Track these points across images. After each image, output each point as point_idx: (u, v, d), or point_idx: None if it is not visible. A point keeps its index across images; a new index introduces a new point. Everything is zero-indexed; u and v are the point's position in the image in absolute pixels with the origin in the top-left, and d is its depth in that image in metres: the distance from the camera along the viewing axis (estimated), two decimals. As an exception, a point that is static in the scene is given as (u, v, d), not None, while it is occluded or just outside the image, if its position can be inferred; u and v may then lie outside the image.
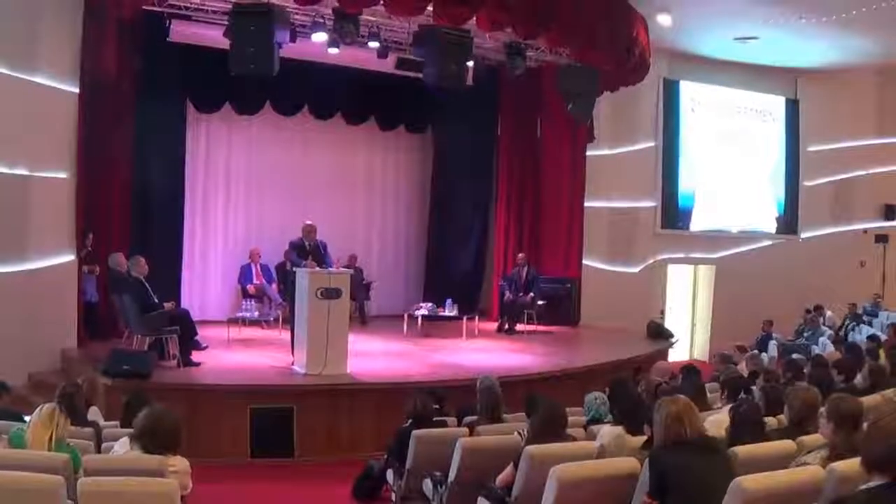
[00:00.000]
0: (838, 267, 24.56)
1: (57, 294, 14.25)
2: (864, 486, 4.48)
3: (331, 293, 12.68)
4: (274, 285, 18.38)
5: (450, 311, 18.14)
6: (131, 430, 6.69)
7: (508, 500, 7.05)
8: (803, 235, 25.87)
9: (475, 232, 22.10)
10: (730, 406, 8.03)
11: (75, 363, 13.60)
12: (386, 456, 8.99)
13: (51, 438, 6.67)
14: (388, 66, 17.70)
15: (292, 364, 13.42)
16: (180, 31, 16.02)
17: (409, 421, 8.80)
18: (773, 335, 20.61)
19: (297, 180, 19.82)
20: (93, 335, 15.02)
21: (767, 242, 25.50)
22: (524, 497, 6.85)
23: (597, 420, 8.78)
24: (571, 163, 20.85)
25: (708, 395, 10.00)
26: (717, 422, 7.80)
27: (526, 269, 19.46)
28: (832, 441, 6.05)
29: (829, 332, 20.76)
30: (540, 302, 19.26)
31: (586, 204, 21.11)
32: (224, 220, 19.42)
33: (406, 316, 18.21)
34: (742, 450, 6.48)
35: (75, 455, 6.70)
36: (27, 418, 7.18)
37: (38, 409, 6.81)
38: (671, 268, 24.23)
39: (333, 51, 16.15)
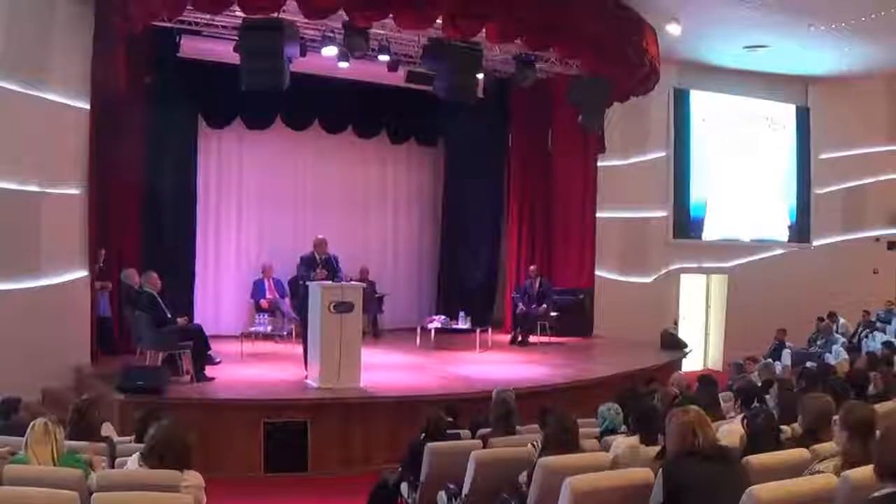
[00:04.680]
0: (851, 274, 24.48)
1: (70, 310, 14.30)
2: (876, 494, 4.48)
3: (343, 307, 12.70)
4: (287, 300, 18.40)
5: (463, 323, 18.11)
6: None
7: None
8: (815, 243, 25.79)
9: (487, 244, 22.13)
10: (742, 415, 8.02)
11: (88, 379, 13.61)
12: (400, 469, 8.98)
13: (52, 453, 6.66)
14: (398, 79, 17.78)
15: (306, 378, 13.44)
16: (190, 47, 16.10)
17: (423, 434, 8.79)
18: (787, 344, 20.54)
19: (308, 194, 19.89)
20: (106, 351, 15.07)
21: (780, 251, 25.43)
22: (538, 508, 6.84)
23: (610, 431, 8.76)
24: (583, 173, 20.84)
25: (722, 404, 9.99)
26: (730, 431, 7.79)
27: (538, 280, 19.47)
28: (846, 449, 6.02)
29: (843, 339, 20.69)
30: (553, 313, 19.27)
31: (598, 214, 21.08)
32: (237, 235, 19.46)
33: (419, 329, 18.23)
34: (755, 458, 6.47)
35: (83, 465, 6.72)
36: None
37: (30, 427, 6.77)
38: (684, 277, 24.18)
39: (343, 65, 16.23)
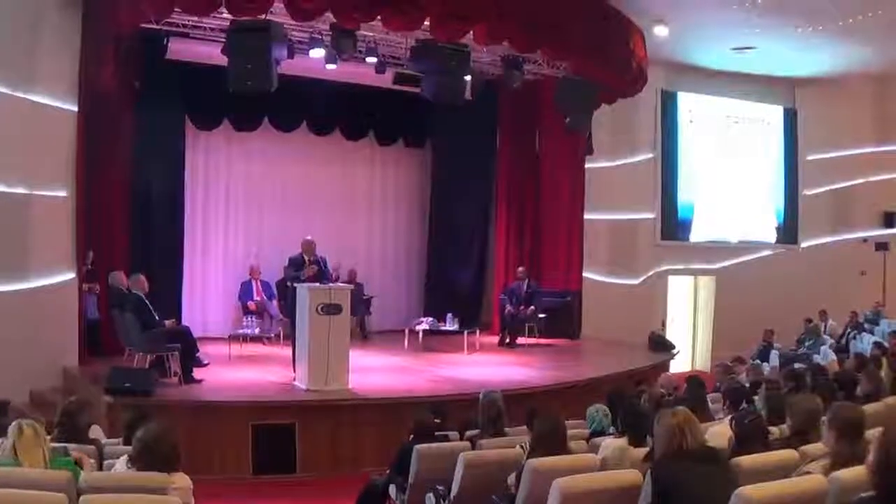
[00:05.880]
0: (839, 276, 24.53)
1: (58, 312, 14.26)
2: (863, 495, 4.49)
3: (331, 309, 12.69)
4: (274, 301, 18.41)
5: (451, 325, 18.11)
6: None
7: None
8: (803, 245, 25.87)
9: (475, 246, 22.13)
10: (730, 416, 8.02)
11: (76, 381, 13.59)
12: (388, 471, 8.97)
13: (44, 456, 6.62)
14: (386, 81, 17.75)
15: (294, 380, 13.41)
16: (178, 49, 16.07)
17: (412, 436, 8.79)
18: (774, 345, 20.59)
19: (296, 196, 19.85)
20: (94, 353, 15.01)
21: (767, 252, 25.50)
22: (527, 510, 6.84)
23: (599, 433, 8.77)
24: (570, 175, 20.84)
25: (710, 405, 10.00)
26: (718, 433, 7.79)
27: (526, 282, 19.46)
28: (834, 450, 6.02)
29: (831, 340, 20.76)
30: (541, 315, 19.25)
31: (586, 216, 21.09)
32: (224, 237, 19.45)
33: (407, 331, 18.22)
34: (744, 460, 6.46)
35: (72, 466, 6.70)
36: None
37: (15, 430, 6.68)
38: (672, 279, 24.22)
39: (331, 66, 16.21)
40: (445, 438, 9.01)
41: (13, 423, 6.75)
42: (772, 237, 25.78)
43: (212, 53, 15.19)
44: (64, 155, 14.42)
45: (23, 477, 6.18)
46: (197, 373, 13.44)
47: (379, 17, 13.72)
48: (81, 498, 5.88)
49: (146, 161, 16.59)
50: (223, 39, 14.25)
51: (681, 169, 24.18)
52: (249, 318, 17.39)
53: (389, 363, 16.28)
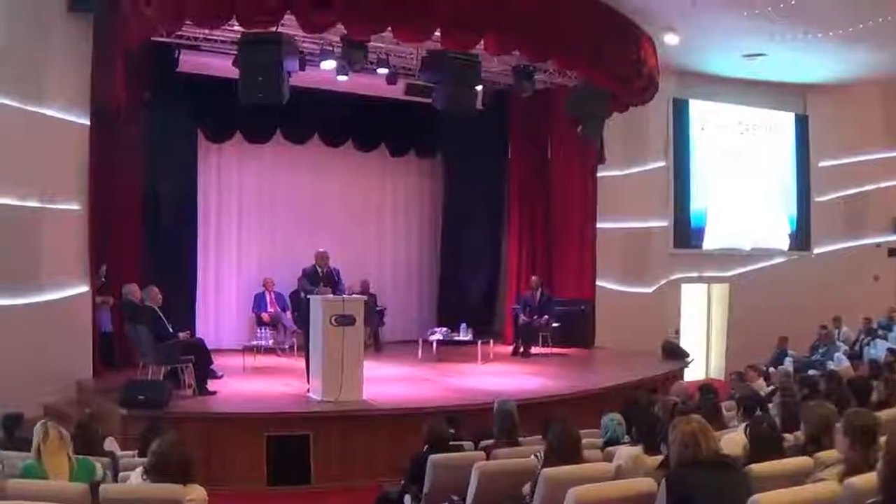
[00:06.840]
0: (852, 282, 24.40)
1: (72, 325, 14.31)
2: (870, 501, 4.50)
3: (345, 320, 12.70)
4: (288, 313, 18.40)
5: (464, 335, 18.10)
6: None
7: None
8: (816, 251, 25.76)
9: (488, 255, 22.15)
10: (745, 424, 8.00)
11: (90, 394, 13.61)
12: (403, 481, 8.97)
13: (69, 461, 6.67)
14: (397, 92, 17.78)
15: (308, 391, 13.42)
16: (189, 62, 16.11)
17: (426, 446, 8.78)
18: (788, 352, 20.53)
19: (309, 208, 19.88)
20: (108, 366, 15.06)
21: (780, 259, 25.39)
22: (542, 520, 6.83)
23: (613, 441, 8.76)
24: (582, 184, 20.83)
25: (725, 413, 9.98)
26: (732, 440, 7.78)
27: (539, 291, 19.44)
28: (848, 456, 6.01)
29: (844, 347, 20.69)
30: (554, 324, 19.23)
31: (598, 225, 21.06)
32: (237, 249, 19.49)
33: (420, 341, 18.23)
34: (758, 467, 6.46)
35: (92, 467, 6.76)
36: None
37: (41, 432, 6.73)
38: (685, 287, 24.13)
39: (342, 78, 16.23)
40: (460, 448, 9.00)
41: (38, 424, 6.84)
42: (785, 244, 25.67)
43: (223, 66, 15.23)
44: (76, 168, 14.48)
45: (40, 489, 6.20)
46: (211, 385, 13.46)
47: (389, 29, 13.75)
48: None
49: (158, 173, 16.64)
50: (234, 52, 14.29)
51: (693, 176, 24.10)
52: (263, 330, 17.42)
53: (403, 373, 16.29)
